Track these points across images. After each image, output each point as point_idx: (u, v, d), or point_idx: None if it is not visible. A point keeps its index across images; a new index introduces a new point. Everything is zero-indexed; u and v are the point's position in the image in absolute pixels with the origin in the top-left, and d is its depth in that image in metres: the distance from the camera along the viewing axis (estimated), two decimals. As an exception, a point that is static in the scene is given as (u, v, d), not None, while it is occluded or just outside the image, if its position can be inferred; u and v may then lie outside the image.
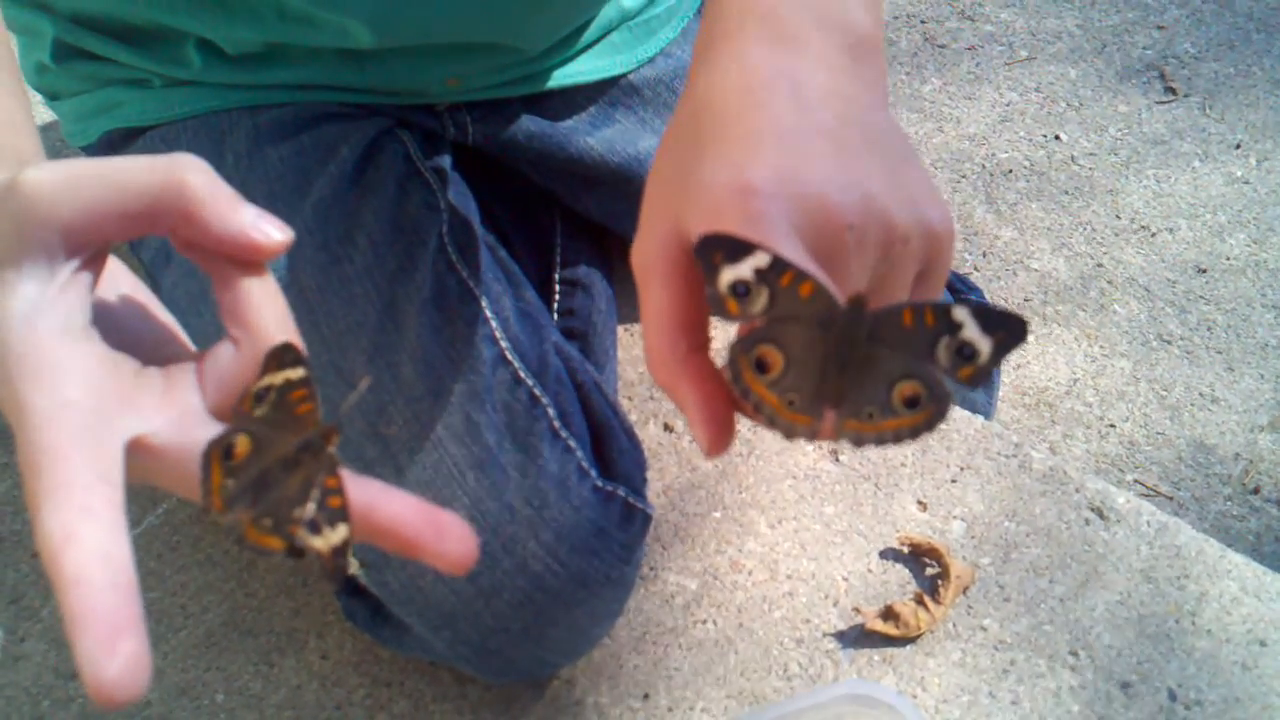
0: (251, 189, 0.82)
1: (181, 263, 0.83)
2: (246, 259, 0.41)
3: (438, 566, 0.39)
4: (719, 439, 0.42)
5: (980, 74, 1.67)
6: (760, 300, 0.40)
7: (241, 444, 0.38)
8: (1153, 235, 1.45)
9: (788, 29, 0.48)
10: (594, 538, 0.76)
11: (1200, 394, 1.28)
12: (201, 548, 0.92)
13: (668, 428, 0.97)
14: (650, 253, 0.45)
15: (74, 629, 0.33)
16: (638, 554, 0.81)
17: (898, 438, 0.40)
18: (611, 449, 0.82)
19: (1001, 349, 0.40)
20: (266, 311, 0.42)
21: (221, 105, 0.86)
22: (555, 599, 0.75)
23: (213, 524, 0.38)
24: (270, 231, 0.41)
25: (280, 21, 0.80)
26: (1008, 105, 1.62)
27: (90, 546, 0.34)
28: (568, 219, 1.04)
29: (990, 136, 1.58)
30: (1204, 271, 1.41)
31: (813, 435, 0.40)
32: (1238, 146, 1.56)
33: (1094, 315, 1.36)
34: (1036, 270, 1.40)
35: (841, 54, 0.48)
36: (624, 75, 0.96)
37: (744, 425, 0.96)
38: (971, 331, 0.40)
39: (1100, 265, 1.41)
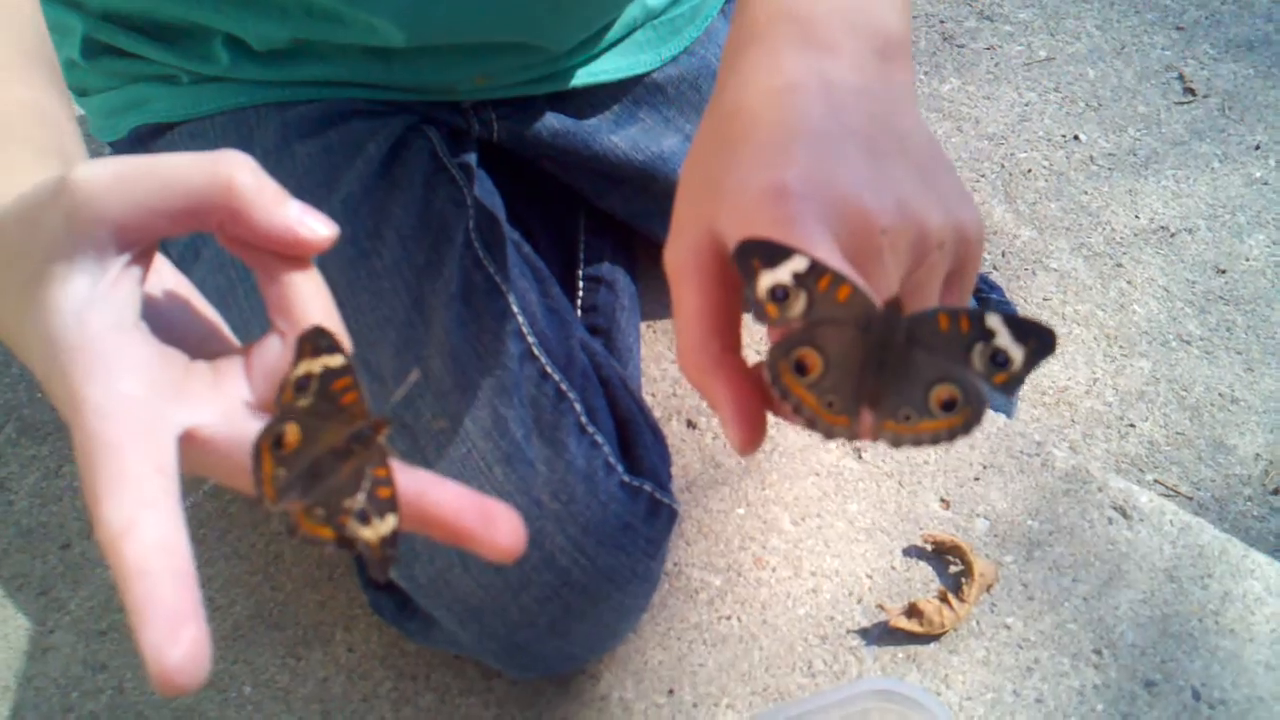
0: (280, 184, 0.82)
1: (209, 259, 0.84)
2: (292, 254, 0.42)
3: (487, 556, 0.39)
4: (751, 437, 0.42)
5: (999, 74, 1.67)
6: (798, 304, 0.40)
7: (291, 434, 0.38)
8: (1172, 236, 1.44)
9: (818, 32, 0.48)
10: (620, 532, 0.76)
11: (1220, 394, 1.28)
12: (228, 541, 0.93)
13: (691, 424, 0.97)
14: (682, 255, 0.45)
15: (137, 618, 0.33)
16: (663, 549, 0.81)
17: (935, 439, 0.40)
18: (637, 445, 0.82)
19: (1032, 358, 0.40)
20: (313, 305, 0.42)
21: (249, 102, 0.86)
22: (581, 593, 0.75)
23: (265, 513, 0.38)
24: (316, 227, 0.41)
25: (307, 18, 0.81)
26: (1026, 105, 1.62)
27: (150, 536, 0.35)
28: (591, 216, 1.05)
29: (1009, 136, 1.58)
30: (1223, 272, 1.40)
31: (852, 436, 0.40)
32: (1257, 147, 1.55)
33: (1113, 315, 1.36)
34: (1055, 270, 1.40)
35: (872, 56, 0.48)
36: (648, 74, 0.97)
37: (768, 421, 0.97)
38: (1004, 339, 0.40)
39: (1119, 265, 1.41)
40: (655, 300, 1.04)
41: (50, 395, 0.39)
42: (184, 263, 0.87)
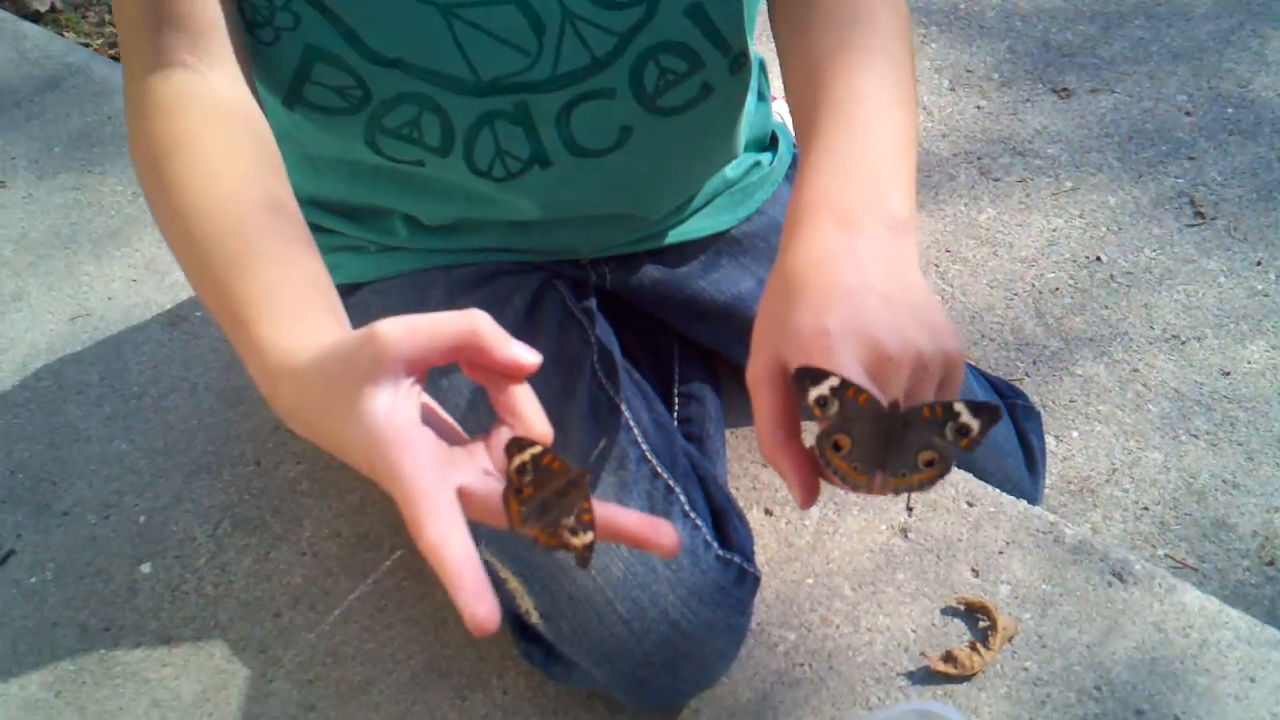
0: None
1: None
2: (514, 374, 0.64)
3: (658, 552, 0.61)
4: (809, 495, 0.65)
5: (1030, 203, 1.88)
6: (834, 406, 0.62)
7: (528, 488, 0.61)
8: (1183, 343, 1.65)
9: (848, 215, 0.71)
10: (717, 593, 0.99)
11: (1223, 480, 1.47)
12: (404, 609, 1.17)
13: (768, 512, 1.21)
14: (759, 373, 0.67)
15: (456, 591, 0.54)
16: (749, 608, 1.03)
17: (922, 485, 0.63)
18: (727, 526, 1.05)
19: (987, 427, 0.63)
20: (529, 406, 0.65)
21: (422, 266, 1.10)
22: (688, 640, 0.98)
23: (517, 534, 0.61)
24: (530, 357, 0.63)
25: (468, 201, 1.04)
26: (1054, 231, 1.83)
27: (458, 543, 0.55)
28: (683, 345, 1.27)
29: (1039, 259, 1.78)
30: (1228, 374, 1.60)
31: (869, 489, 0.63)
32: (1259, 263, 1.74)
33: (1130, 414, 1.56)
34: (1080, 375, 1.61)
35: (886, 231, 0.70)
36: (727, 231, 1.19)
37: (830, 512, 1.20)
38: (966, 417, 0.63)
39: (1136, 370, 1.62)
40: (736, 412, 1.27)
41: (372, 472, 0.58)
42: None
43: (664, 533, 0.62)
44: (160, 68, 0.82)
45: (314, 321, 0.70)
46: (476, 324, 0.62)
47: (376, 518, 1.25)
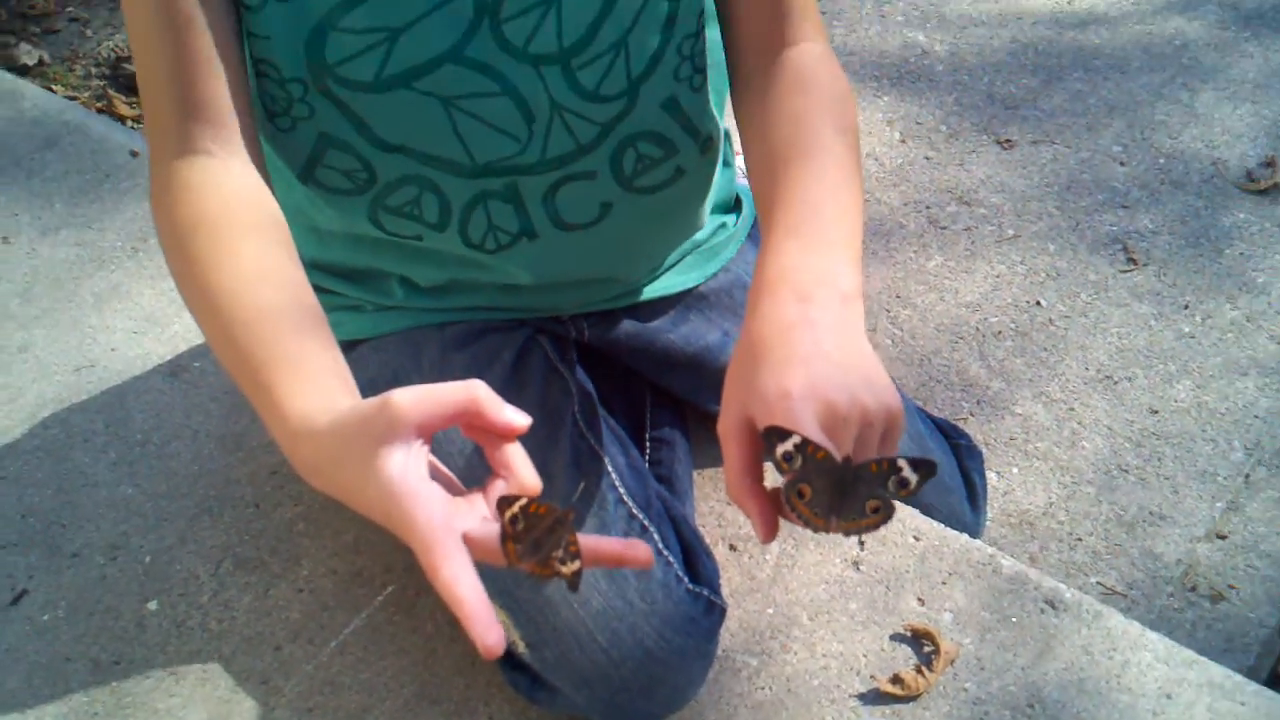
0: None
1: None
2: (507, 435, 0.75)
3: (636, 566, 0.73)
4: (771, 532, 0.76)
5: (975, 250, 2.00)
6: (797, 461, 0.73)
7: (521, 529, 0.72)
8: (1115, 384, 1.77)
9: (804, 290, 0.82)
10: (687, 623, 1.09)
11: (1150, 513, 1.59)
12: (395, 641, 1.26)
13: (733, 547, 1.31)
14: (729, 427, 0.78)
15: (469, 623, 0.64)
16: (717, 636, 1.14)
17: (869, 528, 0.74)
18: (696, 562, 1.15)
19: (924, 480, 0.74)
20: (521, 461, 0.76)
21: (416, 324, 1.21)
22: (662, 666, 1.08)
23: (512, 569, 0.71)
24: (521, 420, 0.75)
25: (461, 266, 1.15)
26: (998, 277, 1.95)
27: (468, 583, 0.65)
28: (654, 393, 1.38)
29: (983, 304, 1.90)
30: (1156, 413, 1.72)
31: (826, 530, 0.74)
32: (1186, 307, 1.87)
33: (1066, 451, 1.68)
34: (1020, 415, 1.73)
35: (837, 303, 0.82)
36: (696, 287, 1.31)
37: (789, 547, 1.31)
38: (906, 472, 0.75)
39: (1071, 409, 1.74)
40: (703, 454, 1.37)
41: (388, 521, 0.68)
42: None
43: (640, 550, 0.74)
44: (185, 154, 0.92)
45: (327, 388, 0.80)
46: (476, 393, 0.73)
47: (369, 556, 1.34)
